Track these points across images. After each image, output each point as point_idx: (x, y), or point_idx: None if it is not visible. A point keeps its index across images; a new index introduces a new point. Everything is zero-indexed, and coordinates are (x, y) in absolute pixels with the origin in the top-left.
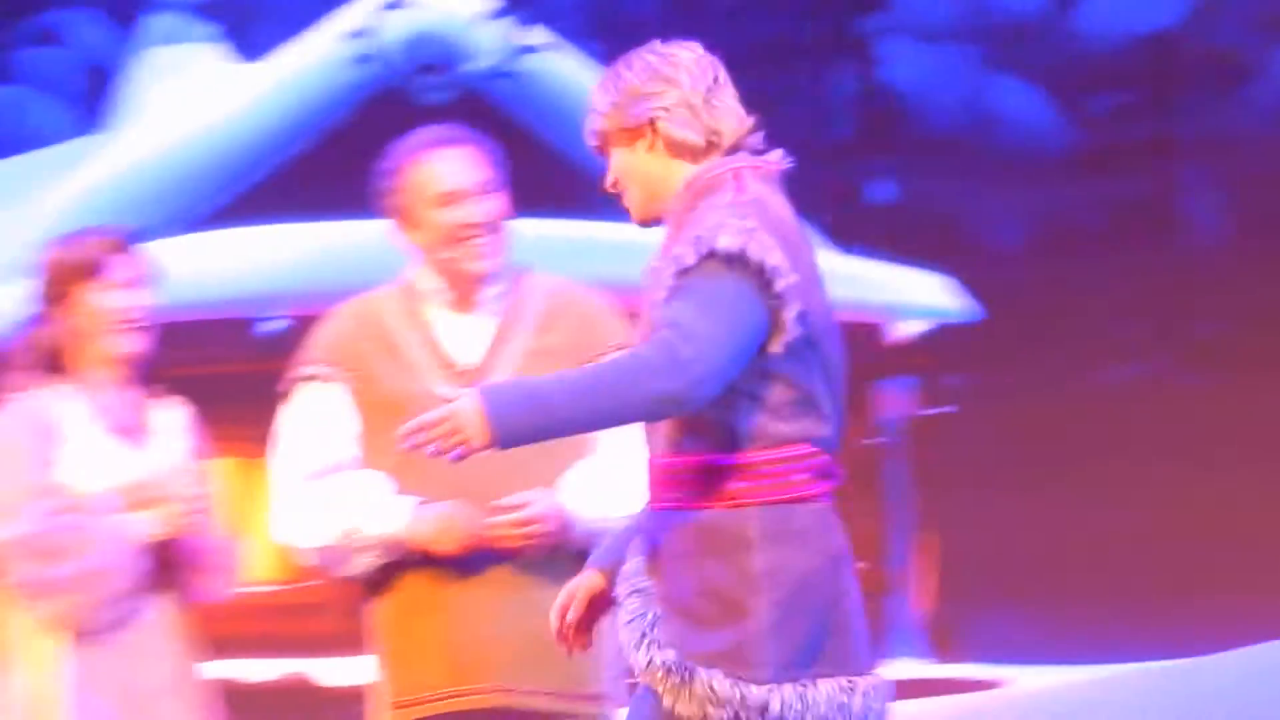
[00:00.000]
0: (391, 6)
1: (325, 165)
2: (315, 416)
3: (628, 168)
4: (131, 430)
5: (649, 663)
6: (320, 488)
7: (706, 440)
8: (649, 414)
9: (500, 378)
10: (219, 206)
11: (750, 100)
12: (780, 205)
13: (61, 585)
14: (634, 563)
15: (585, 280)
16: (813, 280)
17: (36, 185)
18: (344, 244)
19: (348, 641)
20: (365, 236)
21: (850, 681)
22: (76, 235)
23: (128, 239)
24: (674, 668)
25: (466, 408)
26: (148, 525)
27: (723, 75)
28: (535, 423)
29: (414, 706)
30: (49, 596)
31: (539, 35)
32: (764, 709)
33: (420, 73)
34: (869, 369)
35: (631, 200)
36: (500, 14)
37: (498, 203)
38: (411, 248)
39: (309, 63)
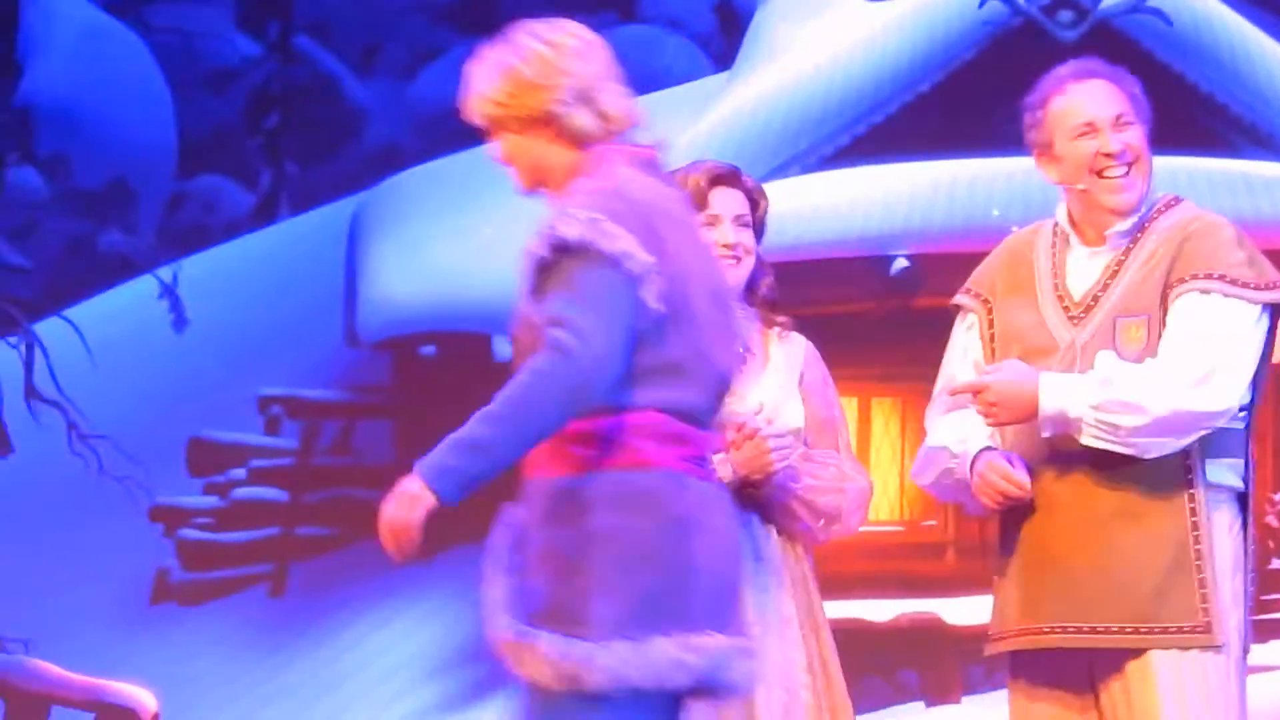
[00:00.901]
0: None
1: (955, 102)
2: (954, 347)
3: (519, 151)
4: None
5: (497, 630)
6: (940, 423)
7: None
8: (567, 415)
9: (1104, 314)
10: (842, 146)
11: None
12: (646, 187)
13: None
14: (499, 534)
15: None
16: (682, 255)
17: (667, 123)
18: (970, 179)
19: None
20: (996, 171)
21: (691, 642)
22: (685, 168)
23: (734, 173)
24: (515, 632)
25: (409, 485)
26: (731, 465)
27: (609, 57)
28: (474, 468)
29: (997, 641)
30: None
31: None
32: (596, 664)
33: (1052, 10)
34: None
35: (519, 177)
36: None
37: (1136, 135)
38: (1055, 182)
39: (936, 1)
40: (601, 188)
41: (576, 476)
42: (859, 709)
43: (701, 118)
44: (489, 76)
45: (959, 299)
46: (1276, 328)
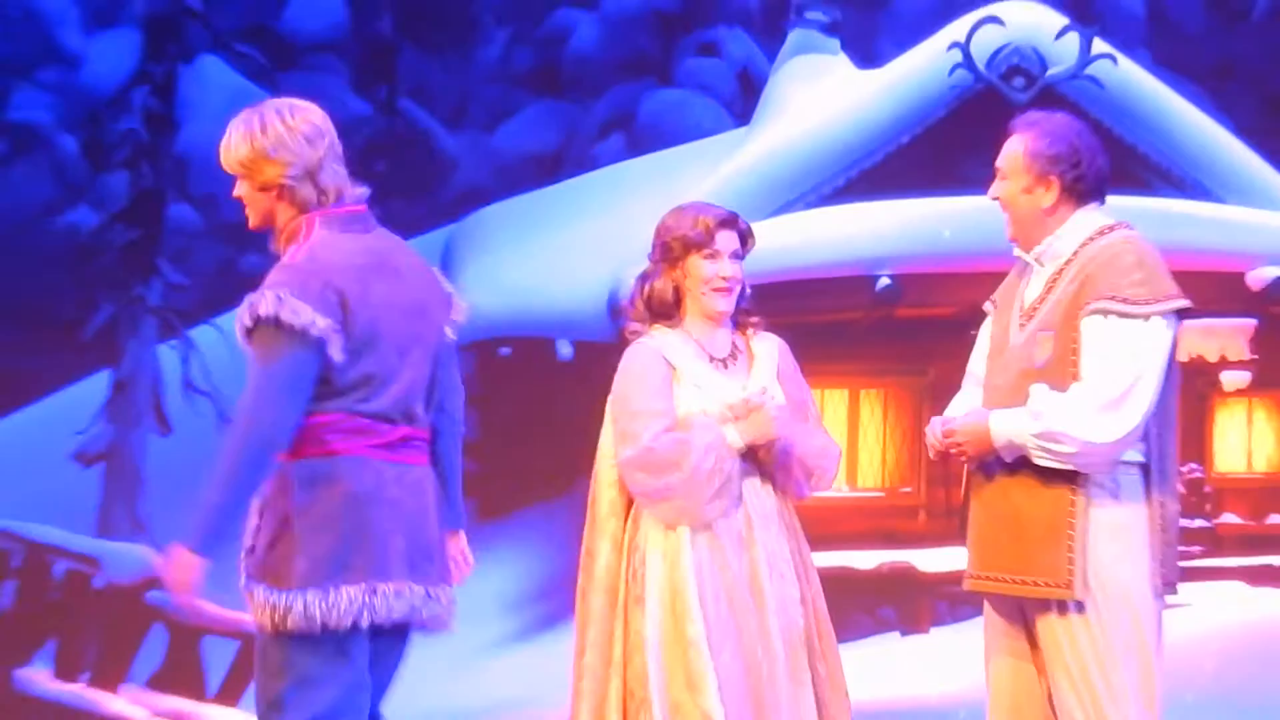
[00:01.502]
0: (985, 22)
1: (929, 152)
2: (978, 341)
3: (253, 201)
4: (728, 361)
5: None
6: (958, 396)
7: None
8: (267, 462)
9: (1033, 325)
10: (838, 187)
11: None
12: (341, 247)
13: (669, 492)
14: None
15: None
16: (373, 298)
17: (696, 168)
18: (938, 217)
19: (941, 536)
20: (956, 210)
21: (373, 588)
22: (694, 210)
23: (733, 218)
24: (244, 585)
25: (180, 555)
26: (740, 434)
27: (333, 138)
28: (219, 526)
29: (957, 583)
30: (661, 502)
31: (1102, 45)
32: (292, 608)
33: (1007, 76)
34: None
35: (251, 217)
36: (1071, 29)
37: (1000, 188)
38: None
39: (915, 69)
40: (294, 263)
41: (287, 462)
42: (847, 639)
43: (726, 163)
44: (238, 140)
45: (986, 306)
46: (1179, 328)
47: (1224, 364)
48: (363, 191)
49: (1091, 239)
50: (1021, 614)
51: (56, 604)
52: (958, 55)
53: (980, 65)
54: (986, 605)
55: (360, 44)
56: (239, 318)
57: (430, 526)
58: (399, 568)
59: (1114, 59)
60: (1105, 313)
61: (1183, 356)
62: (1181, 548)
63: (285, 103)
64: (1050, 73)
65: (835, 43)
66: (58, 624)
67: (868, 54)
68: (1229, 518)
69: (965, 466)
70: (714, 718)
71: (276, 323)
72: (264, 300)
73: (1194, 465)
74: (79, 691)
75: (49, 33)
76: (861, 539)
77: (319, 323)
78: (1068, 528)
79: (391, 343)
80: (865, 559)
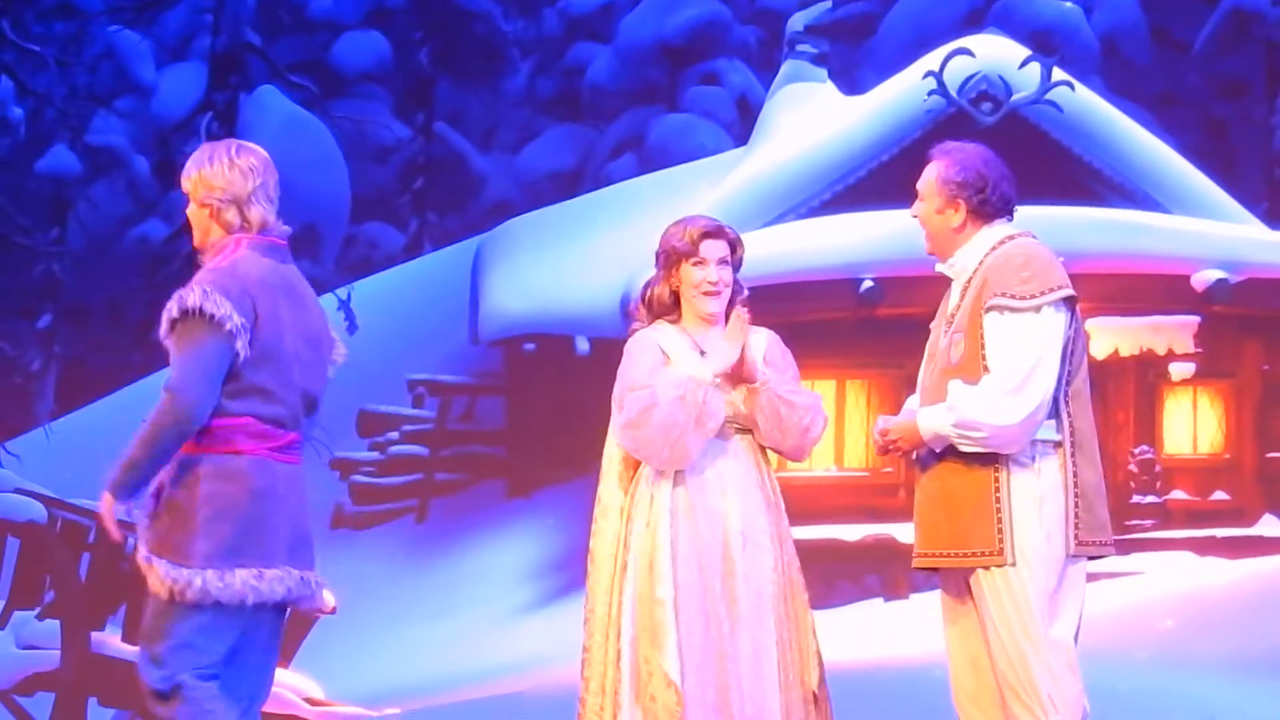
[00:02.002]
0: (956, 54)
1: (906, 168)
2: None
3: (196, 218)
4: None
5: (139, 554)
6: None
7: None
8: (182, 437)
9: (952, 328)
10: (825, 200)
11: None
12: (260, 266)
13: (652, 436)
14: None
15: (1084, 249)
16: (278, 314)
17: (700, 184)
18: (915, 227)
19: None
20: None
21: (260, 573)
22: (684, 223)
23: (719, 228)
24: (144, 557)
25: (103, 497)
26: (709, 364)
27: (268, 179)
28: (133, 480)
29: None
30: (651, 450)
31: (1060, 74)
32: (191, 583)
33: (976, 101)
34: None
35: (194, 234)
36: (1033, 59)
37: (919, 208)
38: None
39: (894, 96)
40: (219, 267)
41: (194, 456)
42: (835, 604)
43: (726, 180)
44: (191, 166)
45: (932, 325)
46: (1074, 314)
47: (1171, 357)
48: (285, 229)
49: (993, 249)
50: (966, 585)
51: (126, 574)
52: (932, 83)
53: (952, 91)
54: (939, 578)
55: (401, 75)
56: (167, 310)
57: (306, 519)
58: (283, 555)
59: (1072, 86)
60: (1000, 309)
61: (1134, 350)
62: (1134, 521)
63: (236, 143)
64: (1014, 98)
65: (823, 72)
66: (127, 592)
67: (852, 82)
68: (1177, 494)
69: (904, 460)
70: (670, 674)
71: (200, 313)
72: (191, 294)
73: (1146, 447)
74: None
75: (125, 66)
76: (847, 514)
77: (235, 319)
78: (994, 503)
79: (290, 358)
80: (851, 532)
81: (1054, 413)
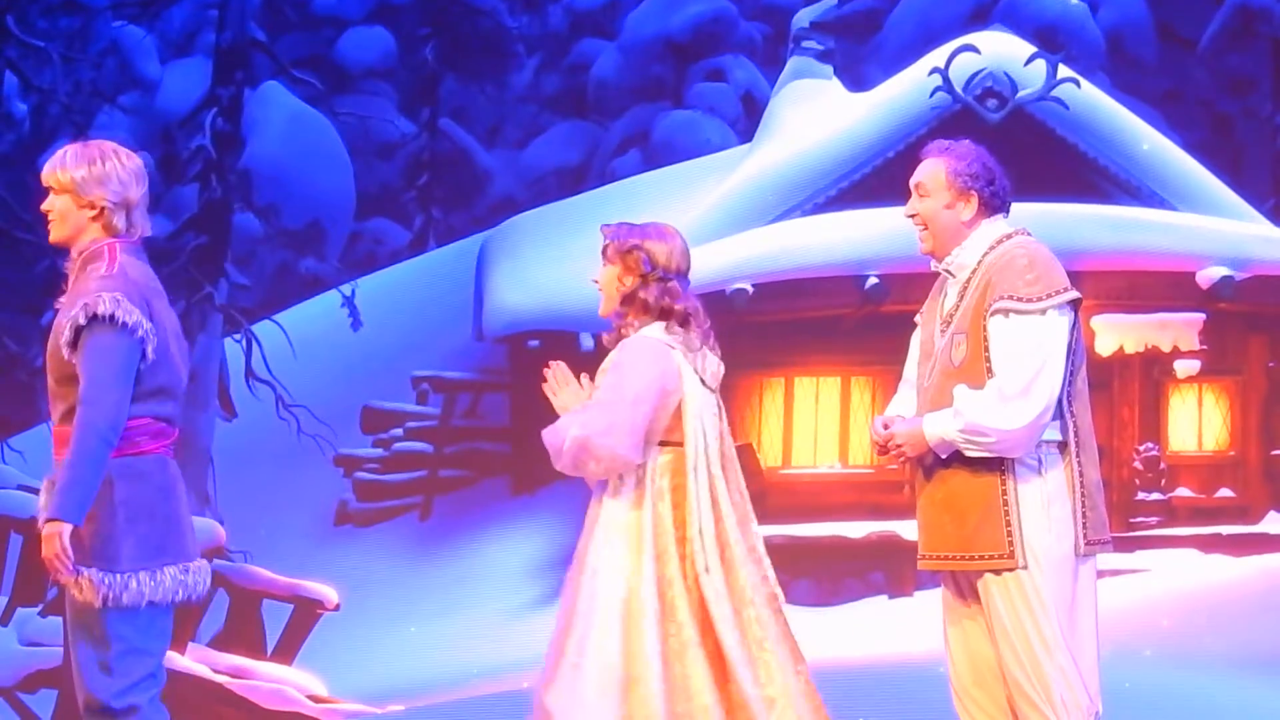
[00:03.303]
0: (962, 50)
1: (912, 165)
2: (911, 348)
3: (65, 214)
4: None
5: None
6: (894, 399)
7: None
8: (109, 445)
9: (951, 330)
10: (831, 196)
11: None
12: (140, 270)
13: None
14: None
15: (1089, 246)
16: (162, 317)
17: (705, 180)
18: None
19: None
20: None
21: (185, 567)
22: (664, 232)
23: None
24: (69, 570)
25: (50, 528)
26: None
27: (146, 186)
28: (76, 501)
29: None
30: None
31: (1066, 71)
32: (127, 587)
33: (982, 98)
34: None
35: (56, 228)
36: (1039, 56)
37: (920, 204)
38: None
39: (900, 92)
40: (113, 274)
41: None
42: (839, 602)
43: (731, 176)
44: (74, 161)
45: (916, 318)
46: (1078, 314)
47: (1176, 354)
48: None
49: (992, 248)
50: (971, 586)
51: None
52: (938, 80)
53: (958, 88)
54: (943, 584)
55: (407, 71)
56: (72, 319)
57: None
58: (194, 548)
59: (1077, 83)
60: (1006, 312)
61: (1139, 347)
62: (1140, 518)
63: (115, 145)
64: (1020, 95)
65: (829, 69)
66: None
67: (858, 79)
68: (1182, 491)
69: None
70: None
71: (112, 320)
72: (101, 301)
73: (1151, 444)
74: None
75: (130, 62)
76: (852, 511)
77: (144, 324)
78: (1001, 506)
79: (175, 357)
80: (856, 529)
81: (1058, 414)
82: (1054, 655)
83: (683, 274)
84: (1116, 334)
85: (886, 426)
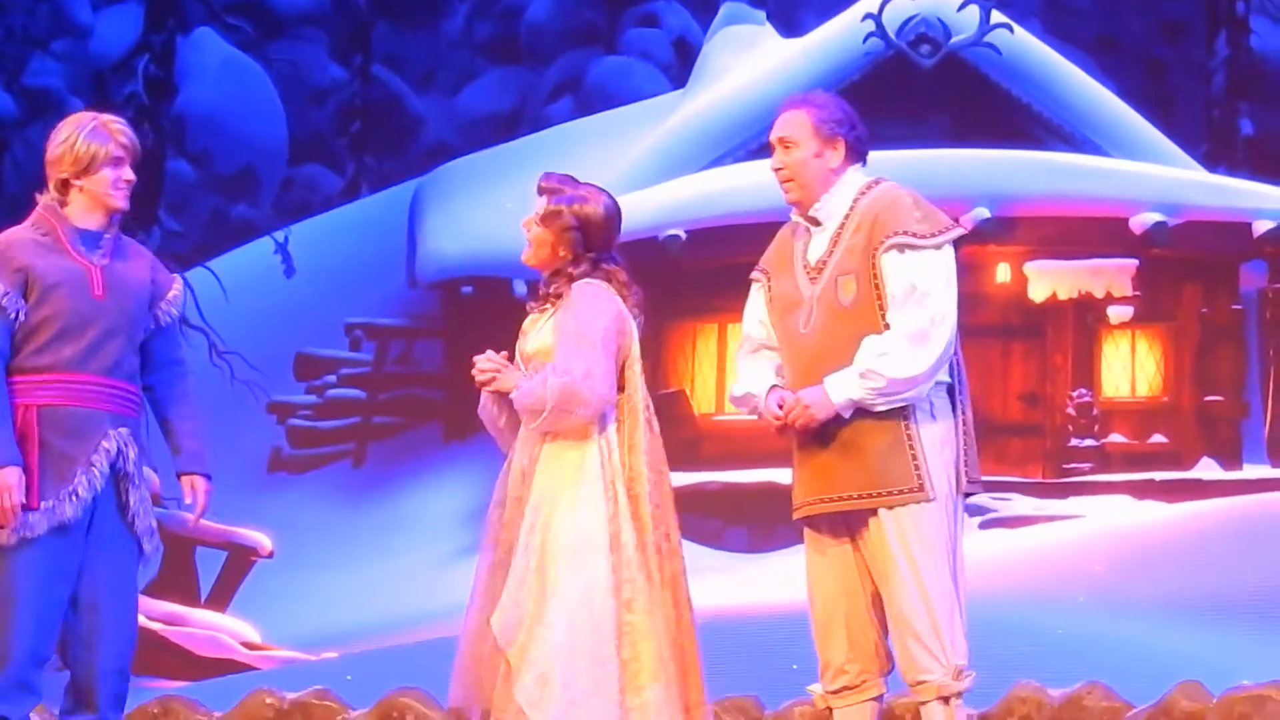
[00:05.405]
0: None
1: None
2: (751, 307)
3: None
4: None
5: None
6: (743, 365)
7: None
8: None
9: (829, 273)
10: (763, 143)
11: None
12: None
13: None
14: None
15: (1022, 192)
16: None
17: (638, 127)
18: None
19: None
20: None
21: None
22: (602, 205)
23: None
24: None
25: None
26: None
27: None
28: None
29: (793, 511)
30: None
31: (999, 16)
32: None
33: (916, 44)
34: (1236, 255)
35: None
36: (972, 2)
37: (786, 155)
38: None
39: (833, 38)
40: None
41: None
42: (774, 548)
43: (664, 122)
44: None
45: (753, 275)
46: (957, 251)
47: (1110, 300)
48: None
49: (863, 193)
50: (847, 531)
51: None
52: (871, 25)
53: (891, 34)
54: (808, 534)
55: (339, 17)
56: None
57: None
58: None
59: (1010, 28)
60: (901, 248)
61: (1072, 293)
62: (1073, 464)
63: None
64: (953, 40)
65: (762, 14)
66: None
67: (791, 24)
68: (1115, 438)
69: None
70: None
71: None
72: None
73: (1084, 390)
74: None
75: (62, 8)
76: (785, 457)
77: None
78: (908, 444)
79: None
80: (789, 475)
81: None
82: (947, 594)
83: (613, 247)
84: (1050, 280)
85: (781, 405)
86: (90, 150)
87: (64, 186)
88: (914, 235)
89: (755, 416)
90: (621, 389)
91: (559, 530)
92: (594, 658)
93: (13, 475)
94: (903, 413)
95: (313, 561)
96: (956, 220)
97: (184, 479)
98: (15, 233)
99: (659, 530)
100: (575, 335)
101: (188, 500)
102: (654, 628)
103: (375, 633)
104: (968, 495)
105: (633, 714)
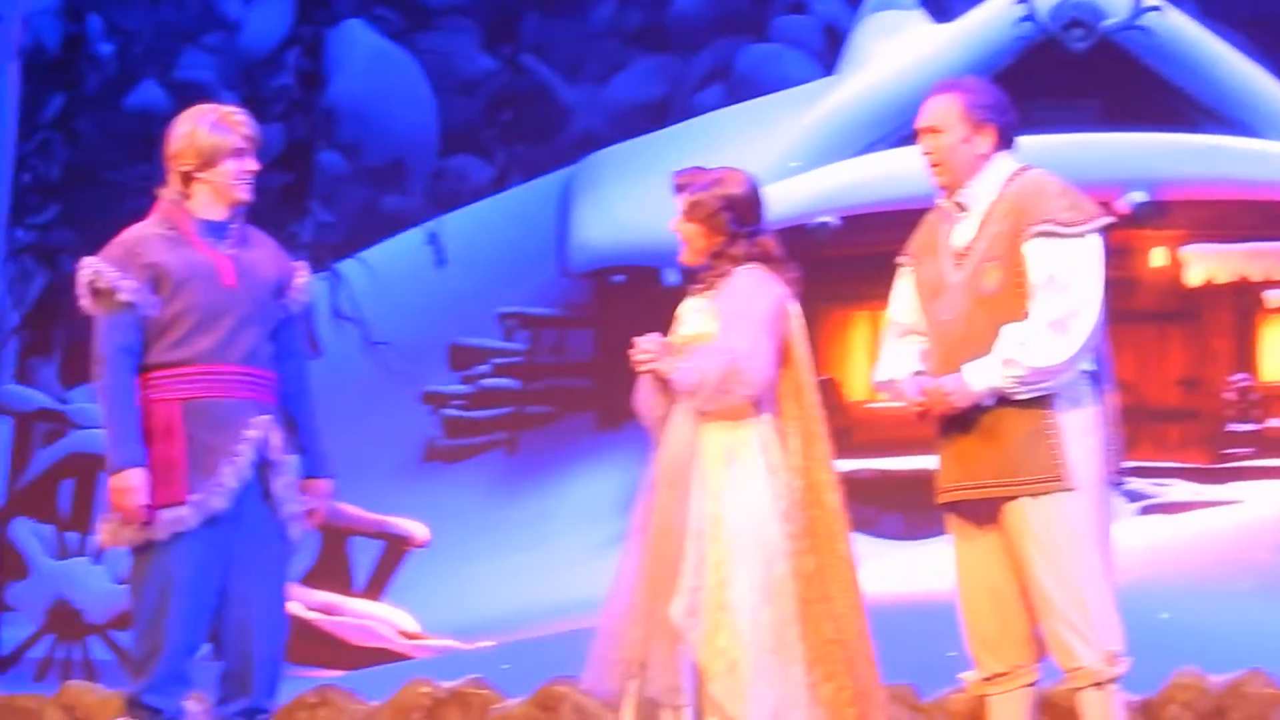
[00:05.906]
0: None
1: None
2: (897, 292)
3: None
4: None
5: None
6: (887, 351)
7: None
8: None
9: (973, 260)
10: (914, 129)
11: None
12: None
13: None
14: None
15: (1178, 176)
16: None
17: (787, 114)
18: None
19: None
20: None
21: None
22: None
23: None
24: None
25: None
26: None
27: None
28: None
29: (937, 496)
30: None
31: None
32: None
33: (1068, 28)
34: None
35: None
36: None
37: (933, 141)
38: None
39: (984, 22)
40: (128, 235)
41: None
42: (929, 535)
43: (814, 109)
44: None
45: (900, 260)
46: (1109, 238)
47: (1268, 283)
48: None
49: (1010, 179)
50: (992, 519)
51: None
52: (1023, 9)
53: (1043, 17)
54: (954, 520)
55: (487, 7)
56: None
57: None
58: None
59: (1161, 10)
60: (1048, 234)
61: (1230, 278)
62: (1232, 449)
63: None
64: (1105, 23)
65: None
66: None
67: (942, 9)
68: (1275, 422)
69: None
70: None
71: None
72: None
73: (1244, 375)
74: None
75: (213, 2)
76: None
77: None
78: (1048, 432)
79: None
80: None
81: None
82: (1100, 582)
83: (763, 219)
84: (1206, 264)
85: (923, 392)
86: (212, 143)
87: (186, 180)
88: (1059, 224)
89: (899, 402)
90: (784, 367)
91: (730, 515)
92: (778, 640)
93: (135, 477)
94: (1045, 401)
95: (468, 550)
96: (1109, 207)
97: (307, 483)
98: (140, 229)
99: (829, 511)
100: (739, 315)
101: (310, 504)
102: (828, 609)
103: (530, 621)
104: (1116, 483)
105: (817, 691)
